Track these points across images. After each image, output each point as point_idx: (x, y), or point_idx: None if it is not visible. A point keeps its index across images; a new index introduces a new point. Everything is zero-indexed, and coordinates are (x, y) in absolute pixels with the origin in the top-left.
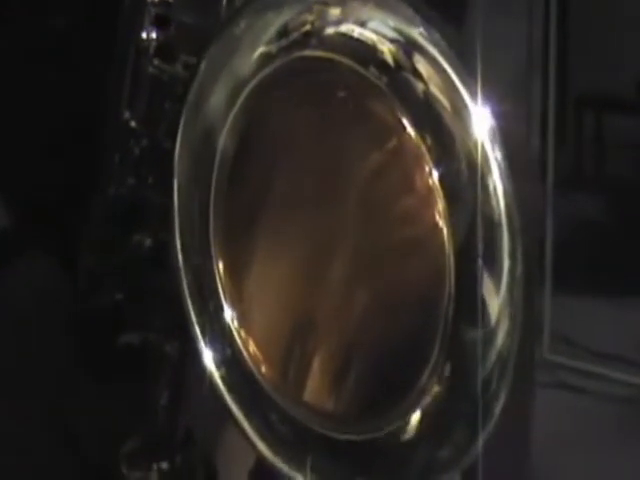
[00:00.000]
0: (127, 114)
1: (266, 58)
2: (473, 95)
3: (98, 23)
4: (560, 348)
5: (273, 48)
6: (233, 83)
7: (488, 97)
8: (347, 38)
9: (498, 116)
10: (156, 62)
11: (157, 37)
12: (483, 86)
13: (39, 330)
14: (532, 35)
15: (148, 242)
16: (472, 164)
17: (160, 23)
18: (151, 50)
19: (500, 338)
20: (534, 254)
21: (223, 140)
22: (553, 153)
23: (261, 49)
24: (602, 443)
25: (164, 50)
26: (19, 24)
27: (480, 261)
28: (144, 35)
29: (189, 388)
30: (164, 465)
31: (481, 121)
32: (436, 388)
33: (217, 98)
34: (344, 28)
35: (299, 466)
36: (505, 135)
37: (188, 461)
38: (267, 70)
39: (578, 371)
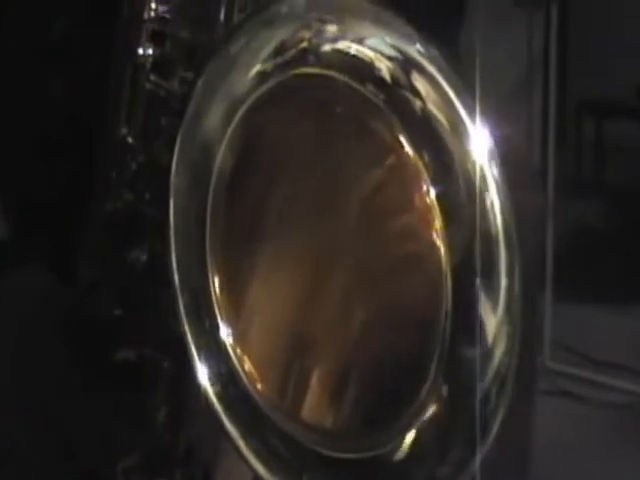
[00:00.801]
0: (124, 130)
1: (262, 76)
2: (471, 113)
3: (95, 38)
4: (560, 356)
5: (269, 66)
6: (230, 100)
7: (486, 113)
8: (344, 55)
9: (496, 132)
10: (153, 78)
11: (154, 53)
12: (482, 103)
13: (36, 341)
14: (532, 42)
15: (145, 257)
16: (470, 182)
17: (157, 39)
18: (148, 66)
19: (498, 356)
20: (533, 269)
21: (220, 157)
22: (554, 159)
23: (257, 67)
24: (602, 450)
25: (161, 66)
26: (18, 33)
27: (478, 280)
28: (141, 51)
29: (188, 404)
30: None
31: (479, 139)
32: (434, 406)
33: (214, 115)
34: (341, 45)
35: None
36: (503, 152)
37: (187, 478)
38: (264, 88)
39: (578, 379)
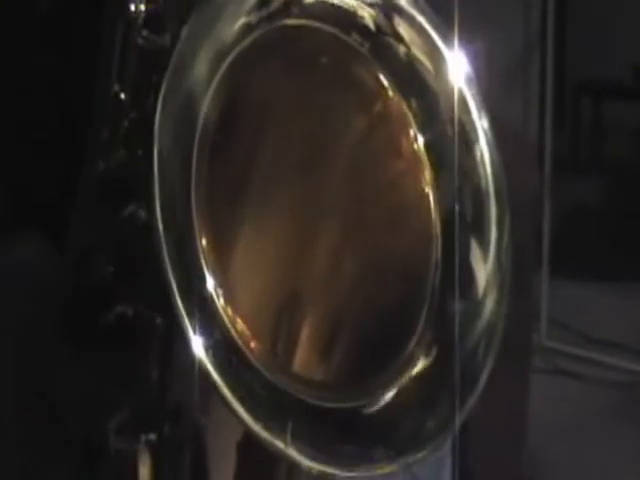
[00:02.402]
0: (116, 86)
1: (247, 28)
2: (450, 46)
3: None
4: (557, 334)
5: (254, 18)
6: (216, 51)
7: (466, 45)
8: (328, 5)
9: (477, 65)
10: (145, 33)
11: (146, 8)
12: (461, 36)
13: (28, 304)
14: (529, 23)
15: (139, 214)
16: (458, 128)
17: None
18: (140, 21)
19: (488, 308)
20: (530, 247)
21: (205, 107)
22: (551, 139)
23: (242, 19)
24: (599, 429)
25: (153, 21)
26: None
27: (464, 224)
28: (132, 7)
29: (178, 360)
30: (152, 436)
31: (459, 68)
32: (422, 357)
33: (200, 65)
34: None
35: (281, 433)
36: (481, 81)
37: (176, 433)
38: (249, 39)
39: (575, 357)
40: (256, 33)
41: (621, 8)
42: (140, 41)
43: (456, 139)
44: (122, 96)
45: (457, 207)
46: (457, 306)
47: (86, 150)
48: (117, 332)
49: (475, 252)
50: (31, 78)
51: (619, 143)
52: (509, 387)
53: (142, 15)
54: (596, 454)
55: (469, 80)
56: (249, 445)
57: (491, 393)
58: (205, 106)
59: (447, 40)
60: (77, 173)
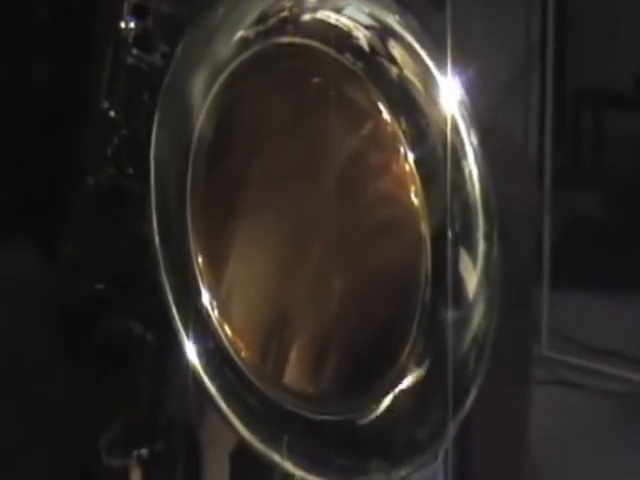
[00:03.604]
0: (106, 104)
1: (245, 42)
2: (444, 73)
3: (78, 13)
4: (558, 345)
5: (251, 33)
6: (212, 66)
7: (460, 73)
8: (324, 24)
9: (471, 91)
10: (135, 52)
11: (136, 27)
12: (454, 64)
13: (19, 316)
14: (530, 32)
15: (128, 231)
16: (447, 146)
17: (139, 13)
18: (130, 40)
19: (476, 319)
20: (530, 258)
21: (201, 121)
22: (551, 149)
23: (240, 33)
24: (600, 439)
25: (143, 40)
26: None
27: (454, 238)
28: (123, 25)
29: (170, 375)
30: (144, 452)
31: (452, 96)
32: (414, 369)
33: (196, 80)
34: (320, 15)
35: (276, 445)
36: (477, 107)
37: (168, 448)
38: (245, 54)
39: (576, 367)
40: (252, 49)
41: (622, 18)
42: (130, 60)
43: (449, 158)
44: (112, 114)
45: (448, 221)
46: (450, 317)
47: (75, 166)
48: (107, 348)
49: (464, 264)
50: (21, 93)
51: (620, 153)
52: (510, 398)
53: (132, 34)
54: (597, 464)
55: (460, 101)
56: (242, 456)
57: (492, 404)
58: (200, 121)
59: (439, 62)
60: (67, 189)
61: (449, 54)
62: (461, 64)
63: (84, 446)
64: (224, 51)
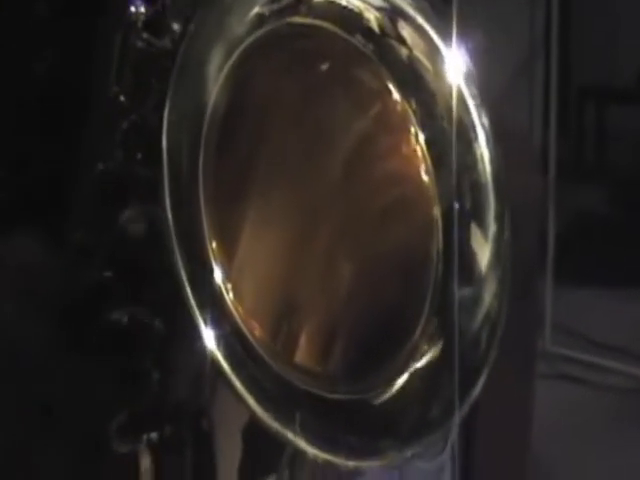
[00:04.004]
0: (115, 88)
1: (259, 19)
2: (451, 52)
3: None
4: (561, 339)
5: (266, 10)
6: (227, 43)
7: (466, 46)
8: (335, 6)
9: (477, 63)
10: (145, 36)
11: (146, 11)
12: (461, 43)
13: (26, 305)
14: (534, 27)
15: (137, 217)
16: (456, 124)
17: None
18: (140, 24)
19: (487, 298)
20: (534, 252)
21: (213, 99)
22: (555, 144)
23: (256, 9)
24: (603, 434)
25: (153, 24)
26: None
27: (465, 215)
28: (132, 9)
29: (179, 359)
30: (154, 436)
31: (458, 68)
32: (428, 348)
33: (211, 57)
34: None
35: (288, 423)
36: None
37: (178, 431)
38: (259, 32)
39: (579, 362)
40: (265, 27)
41: (625, 14)
42: (140, 44)
43: (454, 137)
44: (121, 98)
45: (457, 201)
46: (457, 295)
47: (84, 151)
48: (115, 335)
49: (475, 240)
50: (30, 78)
51: (623, 148)
52: (513, 392)
53: (142, 18)
54: (600, 459)
55: (468, 78)
56: (252, 434)
57: (495, 397)
58: (213, 98)
59: (447, 40)
60: (75, 175)
61: (454, 30)
62: (468, 42)
63: (92, 432)
64: (239, 27)
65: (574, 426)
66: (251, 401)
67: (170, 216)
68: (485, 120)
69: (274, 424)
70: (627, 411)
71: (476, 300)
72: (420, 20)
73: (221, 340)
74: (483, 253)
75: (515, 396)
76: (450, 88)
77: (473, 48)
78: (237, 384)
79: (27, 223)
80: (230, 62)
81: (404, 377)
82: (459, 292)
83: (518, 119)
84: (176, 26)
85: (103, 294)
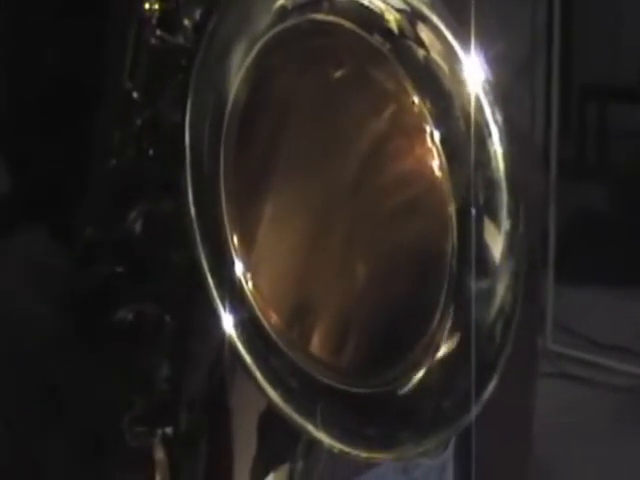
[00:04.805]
0: (129, 85)
1: (283, 12)
2: (468, 54)
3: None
4: (562, 338)
5: (290, 3)
6: (250, 35)
7: (484, 56)
8: (357, 5)
9: (494, 73)
10: (159, 33)
11: (160, 7)
12: (479, 47)
13: (34, 301)
14: (536, 25)
15: (149, 214)
16: (471, 124)
17: None
18: (154, 21)
19: (501, 291)
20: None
21: (234, 92)
22: (557, 143)
23: (280, 1)
24: (605, 433)
25: (167, 20)
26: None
27: (478, 208)
28: (147, 5)
29: (192, 353)
30: (168, 430)
31: (476, 76)
32: (445, 341)
33: (233, 50)
34: None
35: (309, 415)
36: (499, 87)
37: (192, 426)
38: (281, 26)
39: (580, 361)
40: (287, 22)
41: (627, 12)
42: (153, 40)
43: (472, 136)
44: (134, 95)
45: (472, 194)
46: (474, 287)
47: (96, 148)
48: (125, 331)
49: (489, 232)
50: (43, 73)
51: (625, 147)
52: (515, 392)
53: (156, 14)
54: (602, 458)
55: (484, 81)
56: (267, 424)
57: (497, 398)
58: (232, 96)
59: (464, 43)
60: (87, 171)
61: (472, 36)
62: (484, 44)
63: (106, 426)
64: (262, 20)
65: (575, 425)
66: (272, 393)
67: (193, 211)
68: (499, 117)
69: (295, 416)
70: (628, 410)
71: (490, 291)
72: (439, 23)
73: (239, 325)
74: (496, 246)
75: (516, 395)
76: (467, 89)
77: (490, 52)
78: (258, 376)
79: (39, 218)
80: (251, 57)
81: (422, 370)
82: (474, 286)
83: (520, 118)
84: (188, 23)
85: (113, 289)
